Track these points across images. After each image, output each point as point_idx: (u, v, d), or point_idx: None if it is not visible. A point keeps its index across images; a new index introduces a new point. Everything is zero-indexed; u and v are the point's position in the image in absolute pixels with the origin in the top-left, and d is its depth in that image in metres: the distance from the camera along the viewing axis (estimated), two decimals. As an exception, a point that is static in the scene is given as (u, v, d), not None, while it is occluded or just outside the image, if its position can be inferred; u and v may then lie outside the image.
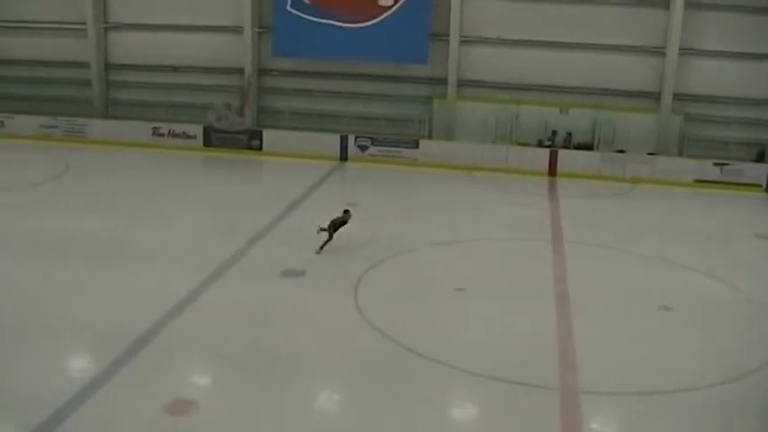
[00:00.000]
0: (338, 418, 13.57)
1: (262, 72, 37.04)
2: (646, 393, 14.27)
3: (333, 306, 17.84)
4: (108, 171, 31.89)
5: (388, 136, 34.52)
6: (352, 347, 15.89)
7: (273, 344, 15.88)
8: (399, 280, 19.95)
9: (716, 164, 31.71)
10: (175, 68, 37.64)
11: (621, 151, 32.78)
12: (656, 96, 33.37)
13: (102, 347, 15.22)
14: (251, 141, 35.45)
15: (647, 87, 33.59)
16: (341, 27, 34.46)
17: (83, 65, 38.23)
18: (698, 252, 23.00)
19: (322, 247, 20.56)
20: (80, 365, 14.99)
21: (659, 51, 33.05)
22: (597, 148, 33.05)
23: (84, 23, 37.57)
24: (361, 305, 17.73)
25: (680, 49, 32.56)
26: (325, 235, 20.81)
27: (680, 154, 33.00)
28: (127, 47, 38.24)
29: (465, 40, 34.40)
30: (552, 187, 30.82)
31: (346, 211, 21.05)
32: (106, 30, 38.23)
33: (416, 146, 33.84)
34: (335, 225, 20.78)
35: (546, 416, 13.42)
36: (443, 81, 34.76)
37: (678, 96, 33.11)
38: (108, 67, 38.64)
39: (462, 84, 34.82)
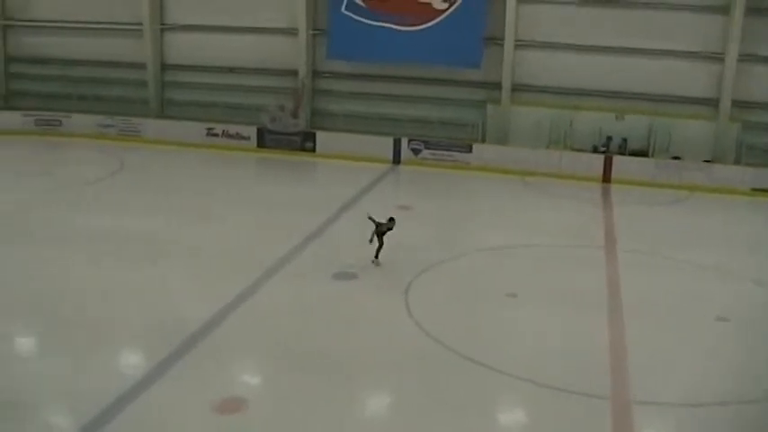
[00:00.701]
0: (386, 422, 13.57)
1: (316, 74, 37.18)
2: (701, 405, 14.07)
3: (383, 309, 17.84)
4: (162, 170, 32.31)
5: (442, 139, 34.44)
6: (402, 351, 15.85)
7: (323, 345, 15.91)
8: (451, 284, 19.90)
9: (774, 172, 31.22)
10: (230, 69, 37.96)
11: (677, 158, 32.35)
12: (713, 103, 32.84)
13: (155, 345, 15.43)
14: (304, 143, 35.60)
15: (704, 94, 33.05)
16: (395, 30, 34.45)
17: (139, 65, 38.75)
18: (755, 262, 22.58)
19: (377, 256, 20.39)
20: (132, 362, 15.20)
21: (718, 57, 32.53)
22: (653, 155, 32.65)
23: (141, 24, 38.07)
24: (411, 309, 17.70)
25: (739, 56, 32.04)
26: (372, 225, 20.61)
27: (737, 162, 32.46)
28: (182, 48, 38.70)
29: (520, 44, 34.21)
30: (606, 194, 30.51)
31: (391, 219, 20.76)
32: (162, 31, 38.70)
33: (469, 150, 33.71)
34: (380, 232, 20.53)
35: (597, 426, 13.29)
36: (497, 85, 34.60)
37: (736, 103, 32.55)
38: (164, 67, 39.14)
39: (516, 88, 34.63)
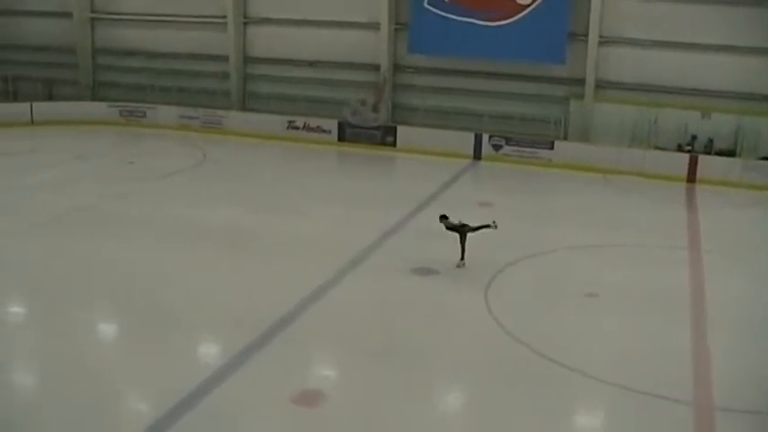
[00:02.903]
0: (464, 420, 13.64)
1: (397, 68, 37.30)
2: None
3: (463, 306, 17.91)
4: (244, 162, 32.77)
5: (523, 136, 34.31)
6: (481, 348, 15.91)
7: (402, 341, 16.07)
8: (531, 282, 19.90)
9: None
10: (312, 63, 38.31)
11: (766, 159, 31.70)
12: (804, 102, 32.16)
13: (233, 336, 15.72)
14: (385, 137, 35.78)
15: (795, 92, 32.38)
16: (478, 25, 34.38)
17: (222, 58, 39.37)
18: None
19: (462, 258, 20.31)
20: (210, 353, 15.54)
21: (810, 55, 31.84)
22: (740, 155, 32.05)
23: (225, 17, 38.63)
24: (491, 306, 17.73)
25: (831, 53, 31.32)
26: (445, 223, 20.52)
27: (828, 162, 31.69)
28: (265, 41, 39.22)
29: (604, 41, 33.85)
30: (691, 194, 30.07)
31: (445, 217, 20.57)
32: (245, 24, 39.25)
33: (551, 147, 33.54)
34: (462, 234, 20.31)
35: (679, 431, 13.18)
36: (581, 81, 34.30)
37: (828, 102, 31.84)
38: (246, 60, 39.68)
39: (600, 85, 34.28)
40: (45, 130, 37.19)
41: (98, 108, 39.41)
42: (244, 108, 39.46)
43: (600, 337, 16.71)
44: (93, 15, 41.77)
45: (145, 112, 39.03)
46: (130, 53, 41.35)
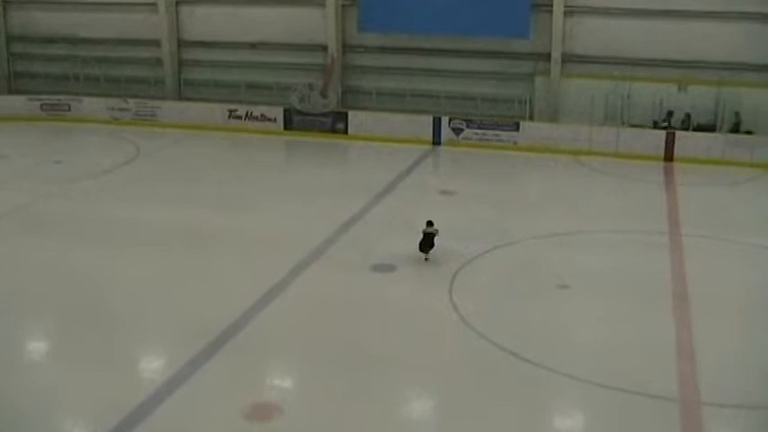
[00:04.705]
0: (431, 427, 13.67)
1: (347, 49, 37.20)
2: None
3: (426, 303, 17.96)
4: (182, 156, 32.62)
5: (486, 118, 34.39)
6: (446, 348, 15.97)
7: (363, 342, 16.07)
8: (498, 275, 19.96)
9: None
10: (253, 46, 38.11)
11: (749, 133, 32.05)
12: (789, 70, 32.57)
13: (181, 344, 15.65)
14: (335, 124, 35.71)
15: (778, 60, 32.78)
16: (433, -2, 34.47)
17: (154, 42, 39.05)
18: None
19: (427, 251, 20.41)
20: (156, 363, 15.44)
21: (793, 18, 32.22)
22: (720, 130, 32.35)
23: (155, -3, 38.40)
24: (456, 302, 17.79)
25: (818, 16, 31.73)
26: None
27: (816, 135, 32.13)
28: (201, 23, 38.91)
29: (570, 10, 34.00)
30: (669, 174, 30.31)
31: (430, 224, 20.58)
32: (178, 4, 38.96)
33: (516, 128, 33.64)
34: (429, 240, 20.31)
35: (664, 430, 13.28)
36: (546, 56, 34.45)
37: (814, 70, 32.27)
38: (180, 44, 39.37)
39: (567, 59, 34.43)
40: (-43, 129, 36.74)
41: (16, 102, 38.88)
42: (179, 97, 39.17)
43: (575, 332, 16.77)
44: (5, -2, 41.30)
45: (69, 105, 38.52)
46: (50, 40, 40.72)
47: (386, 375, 14.74)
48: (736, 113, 32.03)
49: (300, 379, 15.02)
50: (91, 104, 38.40)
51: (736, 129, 32.04)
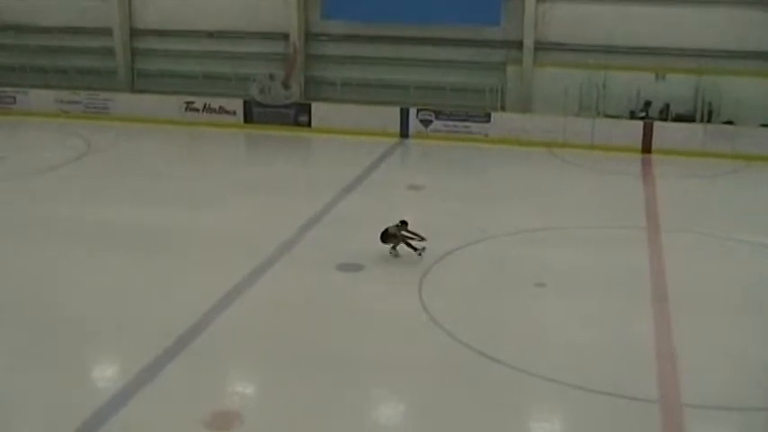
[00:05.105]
0: (401, 433, 13.70)
1: (309, 37, 37.12)
2: (763, 409, 14.12)
3: (395, 304, 17.94)
4: (136, 152, 32.40)
5: (455, 108, 34.44)
6: (415, 350, 15.94)
7: (328, 346, 16.00)
8: (470, 275, 19.97)
9: (843, 137, 31.18)
10: (210, 34, 37.94)
11: (729, 123, 32.28)
12: (770, 58, 32.84)
13: (137, 350, 15.51)
14: (298, 117, 35.64)
15: (761, 47, 32.86)
16: (400, -17, 34.45)
17: (105, 31, 38.70)
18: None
19: (395, 247, 20.43)
20: (111, 372, 15.28)
21: (775, 4, 32.47)
22: (700, 120, 32.58)
23: (107, -16, 38.12)
24: (426, 303, 17.79)
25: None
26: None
27: (800, 125, 32.40)
28: (155, 10, 38.66)
29: (543, -4, 34.26)
30: (647, 166, 30.51)
31: (404, 223, 20.63)
32: (131, -10, 38.76)
33: (488, 119, 33.73)
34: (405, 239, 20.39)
35: (645, 433, 13.39)
36: (518, 44, 34.53)
37: (798, 57, 32.56)
38: (133, 33, 39.08)
39: (540, 47, 34.53)
40: None
41: (-46, 95, 38.57)
42: (133, 89, 38.89)
43: (550, 333, 16.81)
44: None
45: (14, 98, 38.20)
46: (-7, 28, 40.53)
47: (352, 380, 14.70)
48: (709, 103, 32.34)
49: (263, 385, 14.98)
50: (38, 97, 38.07)
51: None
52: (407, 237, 20.23)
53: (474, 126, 33.73)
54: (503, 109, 34.79)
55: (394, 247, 20.26)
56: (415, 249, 20.17)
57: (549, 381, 14.70)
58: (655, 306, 17.95)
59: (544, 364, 15.22)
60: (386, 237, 20.17)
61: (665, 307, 17.89)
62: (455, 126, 33.93)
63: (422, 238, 20.25)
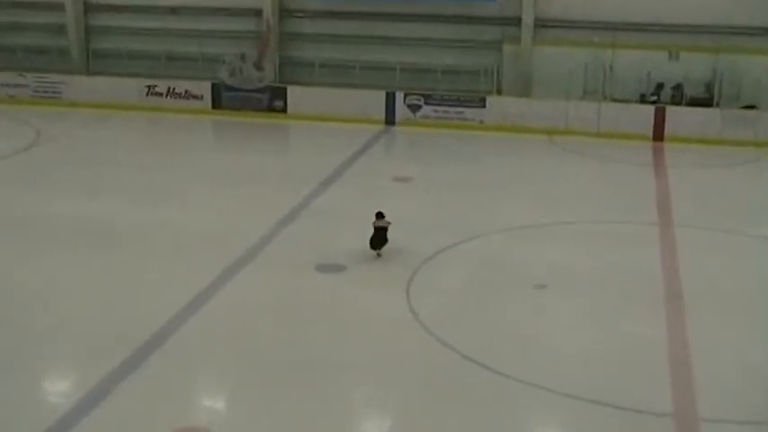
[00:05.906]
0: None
1: (284, 13, 37.18)
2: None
3: (381, 307, 17.96)
4: (92, 140, 32.46)
5: (447, 93, 34.55)
6: (404, 359, 15.90)
7: (307, 353, 15.97)
8: (463, 274, 20.05)
9: None
10: (174, 10, 37.93)
11: (750, 107, 32.38)
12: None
13: (95, 359, 15.42)
14: (272, 102, 35.71)
15: (784, 24, 33.09)
16: (384, -47, 34.54)
17: (56, 6, 38.65)
18: None
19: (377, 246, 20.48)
20: (66, 384, 15.15)
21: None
22: (717, 105, 32.68)
23: (58, -47, 38.03)
24: (415, 306, 17.78)
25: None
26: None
27: (825, 111, 32.51)
28: (113, -17, 38.62)
29: (544, -32, 34.32)
30: (658, 155, 30.62)
31: (381, 216, 20.58)
32: (86, -39, 38.67)
33: (482, 104, 33.83)
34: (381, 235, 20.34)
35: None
36: (516, 21, 34.62)
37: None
38: (88, 8, 39.07)
39: (540, 24, 34.64)
40: None
41: None
42: (88, 71, 38.88)
43: (551, 339, 16.79)
44: None
45: (-44, 82, 38.24)
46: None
47: (333, 390, 14.66)
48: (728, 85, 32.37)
49: (234, 397, 14.89)
50: (-20, 80, 38.07)
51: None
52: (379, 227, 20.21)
53: (467, 112, 33.80)
54: (499, 93, 34.88)
55: (379, 248, 20.19)
56: (374, 248, 20.18)
57: (550, 392, 14.60)
58: (667, 309, 17.93)
59: (545, 373, 15.16)
60: (376, 242, 20.14)
61: (679, 310, 17.88)
62: (446, 112, 33.99)
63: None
